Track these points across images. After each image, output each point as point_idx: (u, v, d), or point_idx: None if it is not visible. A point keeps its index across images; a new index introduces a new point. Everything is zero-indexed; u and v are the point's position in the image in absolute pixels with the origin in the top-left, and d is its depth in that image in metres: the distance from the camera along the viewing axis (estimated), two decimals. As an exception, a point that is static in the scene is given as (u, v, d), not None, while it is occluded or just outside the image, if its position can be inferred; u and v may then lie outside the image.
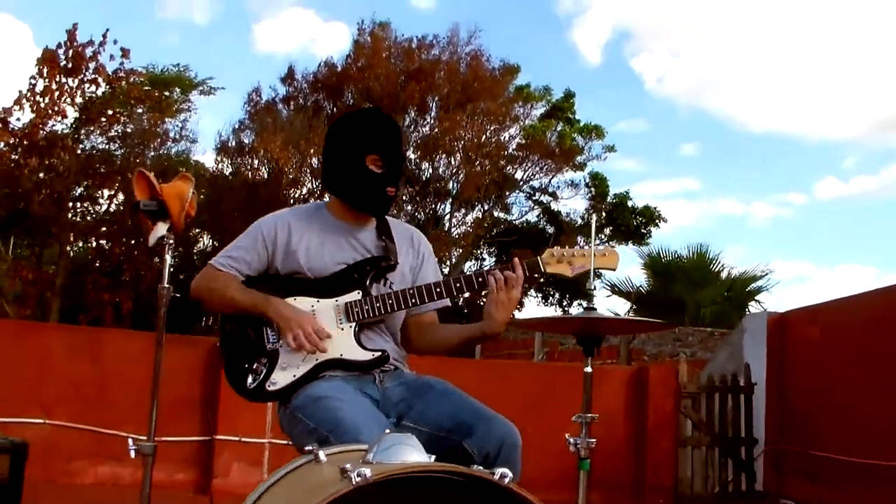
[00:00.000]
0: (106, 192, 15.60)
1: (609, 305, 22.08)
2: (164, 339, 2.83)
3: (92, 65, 14.29)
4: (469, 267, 18.33)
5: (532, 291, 18.51)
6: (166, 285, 2.79)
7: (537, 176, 17.54)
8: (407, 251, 2.89)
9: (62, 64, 14.03)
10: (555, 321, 2.82)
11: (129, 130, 15.91)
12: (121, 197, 15.66)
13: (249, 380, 2.68)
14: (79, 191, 15.43)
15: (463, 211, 17.60)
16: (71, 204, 14.97)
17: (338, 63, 16.91)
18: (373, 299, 2.71)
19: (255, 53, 27.44)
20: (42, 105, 13.78)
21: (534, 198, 18.36)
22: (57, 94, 13.99)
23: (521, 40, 27.49)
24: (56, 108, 14.04)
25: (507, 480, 1.67)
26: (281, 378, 2.66)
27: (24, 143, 13.60)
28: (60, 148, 13.63)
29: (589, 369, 2.51)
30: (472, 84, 16.27)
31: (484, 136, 16.62)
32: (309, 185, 16.04)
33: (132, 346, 6.75)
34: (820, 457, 6.79)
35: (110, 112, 15.28)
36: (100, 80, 14.49)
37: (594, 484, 7.39)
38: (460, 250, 17.27)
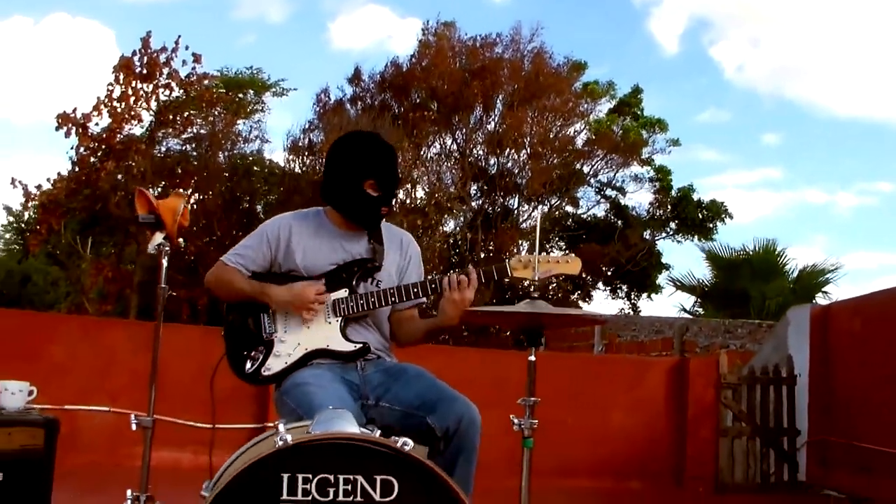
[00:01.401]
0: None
1: (675, 301, 22.01)
2: (161, 331, 3.17)
3: (166, 70, 14.91)
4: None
5: (601, 285, 18.61)
6: (163, 285, 3.15)
7: (603, 170, 17.67)
8: (395, 253, 3.19)
9: (137, 70, 14.67)
10: (499, 314, 3.03)
11: (203, 133, 16.50)
12: (196, 197, 16.28)
13: (248, 365, 3.01)
14: (156, 192, 16.08)
15: (532, 205, 17.75)
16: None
17: (403, 62, 17.22)
18: (357, 297, 3.01)
19: (330, 51, 27.97)
20: (119, 110, 14.44)
21: (602, 192, 18.46)
22: (133, 99, 14.63)
23: (598, 32, 27.52)
24: (132, 113, 14.70)
25: (407, 448, 1.92)
26: (275, 364, 2.98)
27: (103, 147, 14.28)
28: (135, 151, 14.24)
29: (532, 358, 2.74)
30: (535, 81, 16.42)
31: (551, 133, 16.77)
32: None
33: (186, 340, 7.19)
34: (864, 448, 6.80)
35: (187, 115, 15.90)
36: (173, 84, 15.10)
37: (634, 471, 7.55)
38: (527, 244, 17.44)
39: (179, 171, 15.76)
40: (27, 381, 3.08)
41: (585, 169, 17.48)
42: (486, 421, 7.12)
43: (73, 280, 16.90)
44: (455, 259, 16.79)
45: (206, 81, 16.01)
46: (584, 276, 17.89)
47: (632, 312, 17.83)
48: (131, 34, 27.10)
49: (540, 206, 17.43)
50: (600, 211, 18.81)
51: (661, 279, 17.82)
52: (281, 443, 1.86)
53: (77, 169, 14.42)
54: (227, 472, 2.10)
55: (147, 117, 15.06)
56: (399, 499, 1.91)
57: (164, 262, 3.09)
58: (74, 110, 14.36)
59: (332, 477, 1.89)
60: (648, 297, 18.43)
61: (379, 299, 3.00)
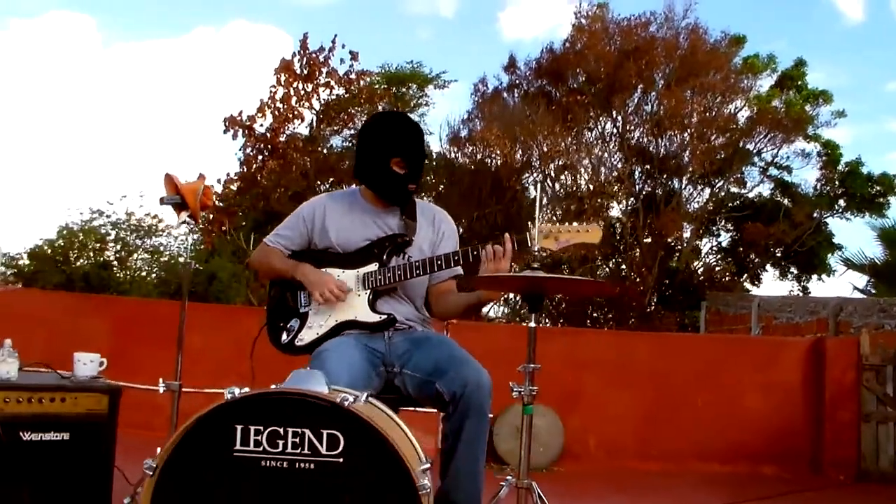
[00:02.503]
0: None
1: (846, 282, 20.73)
2: (186, 304, 3.40)
3: (324, 69, 15.51)
4: (704, 244, 18.04)
5: (768, 266, 17.86)
6: (188, 260, 3.38)
7: (767, 148, 16.95)
8: (427, 229, 3.28)
9: (298, 71, 15.34)
10: (501, 280, 2.99)
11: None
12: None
13: (283, 336, 3.19)
14: (324, 188, 16.68)
15: (699, 187, 17.27)
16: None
17: (558, 48, 17.14)
18: (386, 270, 3.12)
19: (501, 42, 28.02)
20: (281, 111, 15.14)
21: (767, 171, 17.69)
22: (294, 99, 15.30)
23: (763, 4, 26.21)
24: (294, 113, 15.38)
25: (346, 403, 1.99)
26: (307, 336, 3.15)
27: (267, 147, 15.02)
28: (293, 149, 14.86)
29: (533, 324, 2.72)
30: (691, 58, 15.96)
31: (711, 112, 16.26)
32: (540, 170, 16.31)
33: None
34: None
35: (350, 111, 16.43)
36: (332, 83, 15.68)
37: (769, 456, 7.26)
38: (692, 226, 16.98)
39: (344, 166, 16.28)
40: (98, 353, 3.36)
41: (749, 147, 16.81)
42: (612, 403, 7.02)
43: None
44: (619, 245, 16.59)
45: (368, 78, 16.53)
46: (751, 257, 17.29)
47: (801, 294, 17.00)
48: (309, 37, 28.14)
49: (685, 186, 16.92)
50: (765, 190, 18.08)
51: (832, 259, 16.90)
52: (230, 396, 1.99)
53: (245, 169, 15.23)
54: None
55: (309, 116, 15.70)
56: (344, 453, 1.99)
57: (189, 240, 3.31)
58: (240, 113, 15.21)
59: (281, 429, 2.00)
60: (819, 278, 17.52)
61: (405, 272, 3.08)
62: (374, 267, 3.14)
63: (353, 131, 16.81)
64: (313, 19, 29.93)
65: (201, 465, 2.01)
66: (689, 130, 16.08)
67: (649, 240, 16.04)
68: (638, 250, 16.19)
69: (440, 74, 19.00)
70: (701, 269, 17.06)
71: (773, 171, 17.54)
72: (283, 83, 15.29)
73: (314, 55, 15.50)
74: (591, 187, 16.01)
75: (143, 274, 21.81)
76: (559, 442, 6.81)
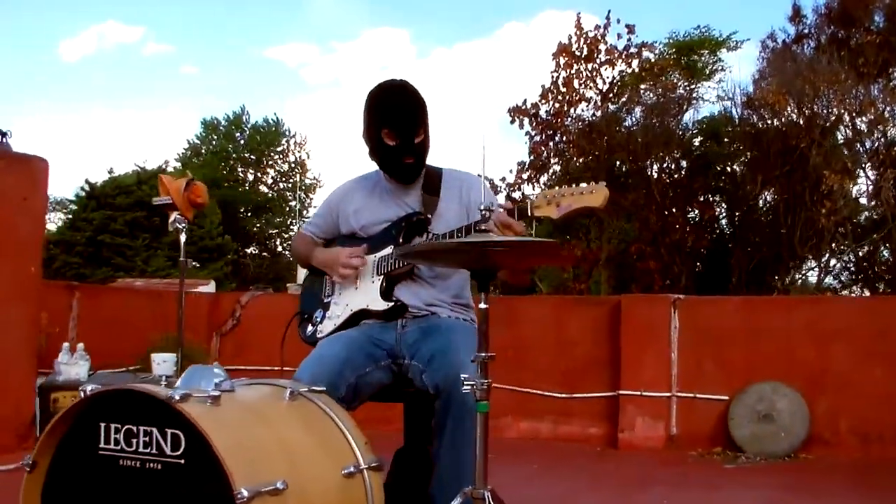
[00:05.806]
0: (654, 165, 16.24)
1: None
2: (184, 300, 3.42)
3: (602, 47, 15.19)
4: None
5: None
6: (183, 259, 3.42)
7: None
8: (453, 201, 3.03)
9: (576, 54, 15.16)
10: (442, 251, 2.52)
11: (658, 101, 16.35)
12: (658, 166, 16.16)
13: (308, 328, 3.12)
14: (624, 167, 16.30)
15: None
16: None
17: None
18: (397, 253, 2.91)
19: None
20: (564, 95, 15.05)
21: None
22: (576, 82, 15.14)
23: None
24: (578, 96, 15.21)
25: (173, 400, 1.89)
26: (327, 327, 3.06)
27: (549, 132, 15.04)
28: (576, 132, 14.72)
29: (483, 305, 2.34)
30: None
31: None
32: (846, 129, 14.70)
33: (541, 312, 7.37)
34: None
35: (642, 87, 15.95)
36: (613, 59, 15.29)
37: None
38: None
39: (639, 141, 15.82)
40: (174, 354, 3.53)
41: None
42: (866, 381, 6.19)
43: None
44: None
45: (651, 52, 16.01)
46: None
47: None
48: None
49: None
50: None
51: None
52: (82, 394, 1.99)
53: (532, 157, 15.33)
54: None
55: (594, 96, 15.41)
56: (185, 454, 1.91)
57: (182, 238, 3.34)
58: (524, 101, 15.37)
59: (135, 427, 1.96)
60: None
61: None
62: (388, 250, 2.96)
63: (645, 104, 16.30)
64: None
65: (73, 463, 2.03)
66: None
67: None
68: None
69: (731, 36, 17.98)
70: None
71: None
72: (562, 66, 15.21)
73: (595, 33, 15.25)
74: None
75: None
76: (803, 426, 6.23)
